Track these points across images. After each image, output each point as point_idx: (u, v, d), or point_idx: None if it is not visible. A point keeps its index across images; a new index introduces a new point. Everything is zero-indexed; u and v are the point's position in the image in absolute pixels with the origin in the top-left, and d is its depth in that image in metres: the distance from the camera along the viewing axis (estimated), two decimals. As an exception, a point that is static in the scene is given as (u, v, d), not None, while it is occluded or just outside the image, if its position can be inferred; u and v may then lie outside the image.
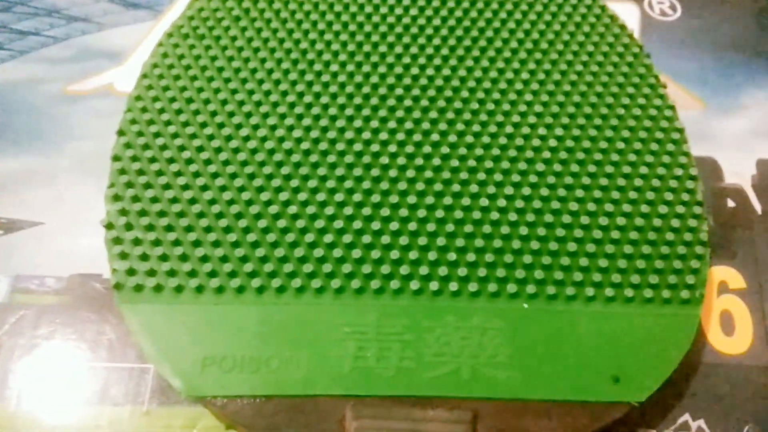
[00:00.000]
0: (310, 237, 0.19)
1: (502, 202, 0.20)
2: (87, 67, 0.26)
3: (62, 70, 0.25)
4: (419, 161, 0.21)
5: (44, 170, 0.23)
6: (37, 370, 0.20)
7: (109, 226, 0.19)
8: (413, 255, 0.19)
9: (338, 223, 0.20)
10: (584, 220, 0.20)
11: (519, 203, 0.20)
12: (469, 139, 0.21)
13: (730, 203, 0.24)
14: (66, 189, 0.23)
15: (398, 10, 0.24)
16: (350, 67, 0.22)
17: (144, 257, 0.19)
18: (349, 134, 0.21)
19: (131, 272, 0.19)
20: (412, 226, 0.20)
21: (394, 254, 0.19)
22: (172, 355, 0.18)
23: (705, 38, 0.27)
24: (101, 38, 0.26)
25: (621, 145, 0.21)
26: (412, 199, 0.20)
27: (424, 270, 0.19)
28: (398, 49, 0.23)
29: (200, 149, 0.21)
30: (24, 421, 0.19)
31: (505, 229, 0.20)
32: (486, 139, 0.21)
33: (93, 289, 0.21)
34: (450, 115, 0.22)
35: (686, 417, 0.20)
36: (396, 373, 0.18)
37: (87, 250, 0.21)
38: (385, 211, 0.20)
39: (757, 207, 0.24)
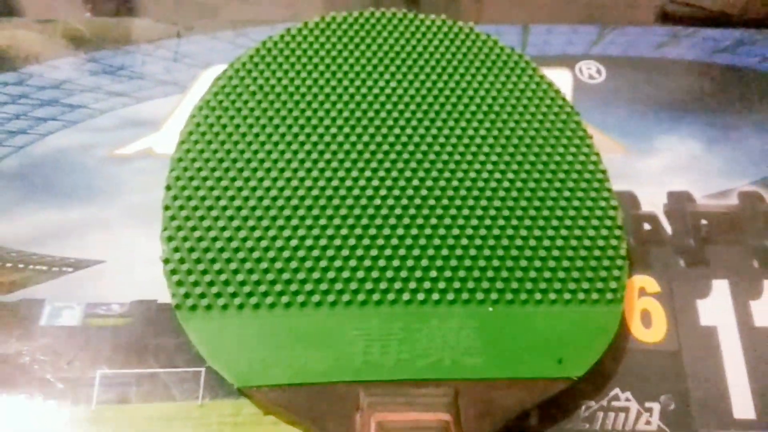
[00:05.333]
0: (324, 263, 0.25)
1: (465, 235, 0.26)
2: (128, 133, 0.31)
3: (108, 136, 0.31)
4: (411, 211, 0.27)
5: (100, 219, 0.28)
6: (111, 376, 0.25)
7: (166, 261, 0.25)
8: (404, 274, 0.25)
9: (349, 256, 0.25)
10: (531, 243, 0.26)
11: (477, 240, 0.26)
12: (442, 183, 0.27)
13: (647, 226, 0.30)
14: (120, 233, 0.28)
15: (382, 84, 0.30)
16: (357, 129, 0.28)
17: (195, 284, 0.25)
18: (354, 182, 0.27)
19: (187, 296, 0.24)
20: (402, 252, 0.26)
21: (389, 274, 0.25)
22: (225, 356, 0.23)
23: (625, 95, 0.34)
24: (138, 110, 0.32)
25: (557, 184, 0.28)
26: (400, 232, 0.26)
27: (413, 285, 0.25)
28: (392, 115, 0.29)
29: (233, 198, 0.26)
30: (103, 415, 0.24)
31: (472, 253, 0.26)
32: (455, 185, 0.27)
33: (150, 311, 0.26)
34: (430, 160, 0.28)
35: (616, 390, 0.26)
36: (395, 363, 0.24)
37: (142, 281, 0.27)
38: (381, 243, 0.26)
39: (668, 229, 0.30)
